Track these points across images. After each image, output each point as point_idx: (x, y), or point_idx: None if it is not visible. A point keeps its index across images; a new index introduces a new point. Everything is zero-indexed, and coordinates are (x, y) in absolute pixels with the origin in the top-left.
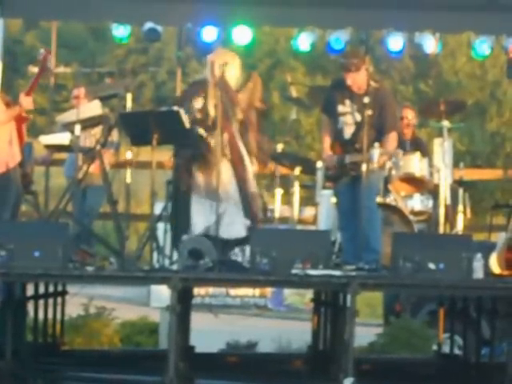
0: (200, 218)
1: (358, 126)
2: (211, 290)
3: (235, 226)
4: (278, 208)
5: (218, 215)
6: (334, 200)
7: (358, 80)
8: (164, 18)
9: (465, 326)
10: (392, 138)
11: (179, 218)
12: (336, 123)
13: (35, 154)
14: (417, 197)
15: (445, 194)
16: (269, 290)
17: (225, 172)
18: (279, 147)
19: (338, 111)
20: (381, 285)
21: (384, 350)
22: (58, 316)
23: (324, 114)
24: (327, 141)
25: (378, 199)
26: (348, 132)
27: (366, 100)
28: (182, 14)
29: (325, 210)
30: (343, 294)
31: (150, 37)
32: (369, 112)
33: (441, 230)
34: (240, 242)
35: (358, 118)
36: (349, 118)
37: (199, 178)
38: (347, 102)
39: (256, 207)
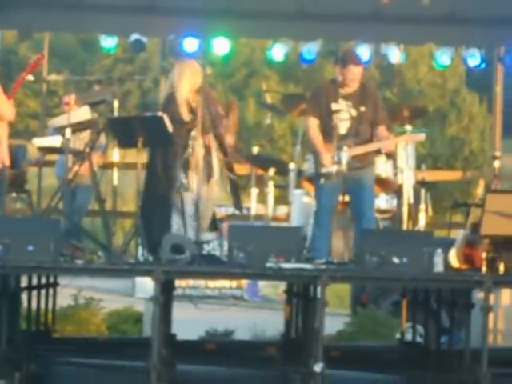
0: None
1: (354, 120)
2: (191, 282)
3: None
4: (253, 206)
5: (198, 217)
6: (306, 199)
7: (358, 74)
8: (149, 29)
9: (426, 316)
10: (384, 130)
11: (152, 218)
12: (328, 121)
13: (29, 155)
14: (382, 196)
15: (408, 194)
16: (245, 282)
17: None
18: (255, 150)
19: (332, 109)
20: (348, 277)
21: (351, 337)
22: (50, 306)
23: (314, 116)
24: (320, 139)
25: (346, 198)
26: (344, 127)
27: (360, 97)
28: (165, 26)
29: (297, 208)
30: (314, 285)
31: (136, 47)
32: (362, 108)
33: (404, 226)
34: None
35: (354, 113)
36: (343, 114)
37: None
38: (340, 100)
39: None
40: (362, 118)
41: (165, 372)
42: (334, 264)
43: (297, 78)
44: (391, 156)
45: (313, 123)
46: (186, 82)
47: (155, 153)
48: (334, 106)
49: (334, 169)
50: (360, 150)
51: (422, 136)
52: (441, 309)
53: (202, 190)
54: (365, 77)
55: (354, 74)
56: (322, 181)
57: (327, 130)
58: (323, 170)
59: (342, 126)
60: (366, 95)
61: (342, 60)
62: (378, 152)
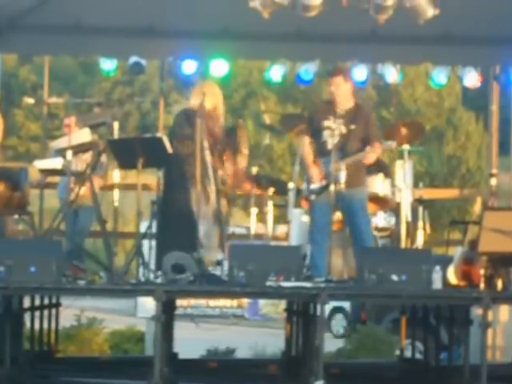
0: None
1: (343, 137)
2: (192, 301)
3: (212, 250)
4: (253, 225)
5: (199, 237)
6: (305, 218)
7: (343, 91)
8: (148, 52)
9: (425, 333)
10: (377, 146)
11: (165, 235)
12: (320, 138)
13: (30, 177)
14: (380, 214)
15: (406, 212)
16: (245, 301)
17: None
18: (254, 170)
19: (323, 126)
20: (348, 295)
21: (351, 355)
22: (53, 326)
23: (307, 135)
24: (310, 156)
25: (343, 216)
26: (331, 142)
27: (351, 115)
28: (163, 49)
29: (296, 227)
30: (313, 304)
31: (135, 70)
32: (352, 126)
33: (402, 244)
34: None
35: (344, 130)
36: (333, 131)
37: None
38: (331, 117)
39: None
40: (351, 135)
41: None
42: (334, 282)
43: (295, 98)
44: (389, 174)
45: (304, 141)
46: (209, 103)
47: (166, 174)
48: (325, 123)
49: (323, 183)
50: (343, 162)
51: (391, 144)
52: (440, 325)
53: (202, 208)
54: (361, 97)
55: (336, 84)
56: (313, 197)
57: (318, 147)
58: (312, 186)
59: (330, 141)
60: (359, 114)
61: (330, 74)
62: (372, 172)
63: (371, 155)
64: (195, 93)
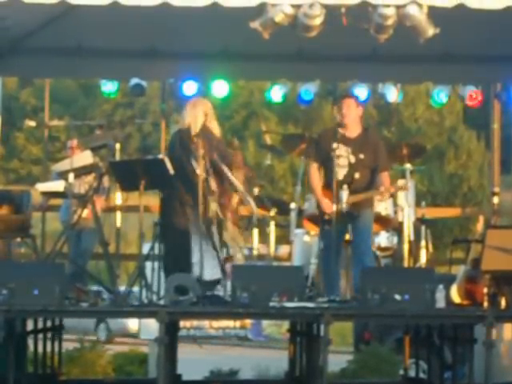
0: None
1: (351, 167)
2: (196, 322)
3: (214, 269)
4: (255, 246)
5: (202, 257)
6: (307, 238)
7: (353, 115)
8: (148, 73)
9: (429, 352)
10: (386, 177)
11: (171, 256)
12: (329, 166)
13: (33, 200)
14: (383, 234)
15: (408, 231)
16: (248, 322)
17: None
18: (255, 191)
19: (332, 153)
20: (351, 315)
21: (355, 375)
22: (56, 349)
23: (315, 161)
24: (319, 187)
25: (347, 237)
26: (341, 173)
27: (359, 143)
28: (164, 70)
29: (298, 248)
30: (317, 324)
31: (136, 91)
32: (361, 155)
33: (405, 263)
34: (218, 283)
35: (352, 160)
36: (342, 160)
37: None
38: (340, 145)
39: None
40: (360, 166)
41: None
42: (337, 302)
43: (296, 118)
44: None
45: (312, 169)
46: (201, 120)
47: (165, 196)
48: (334, 151)
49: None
50: (350, 199)
51: (404, 184)
52: (443, 345)
53: (198, 228)
54: (366, 119)
55: (348, 106)
56: (327, 227)
57: (328, 176)
58: (326, 217)
59: (340, 172)
60: (367, 142)
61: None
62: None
63: (381, 194)
64: (190, 111)
